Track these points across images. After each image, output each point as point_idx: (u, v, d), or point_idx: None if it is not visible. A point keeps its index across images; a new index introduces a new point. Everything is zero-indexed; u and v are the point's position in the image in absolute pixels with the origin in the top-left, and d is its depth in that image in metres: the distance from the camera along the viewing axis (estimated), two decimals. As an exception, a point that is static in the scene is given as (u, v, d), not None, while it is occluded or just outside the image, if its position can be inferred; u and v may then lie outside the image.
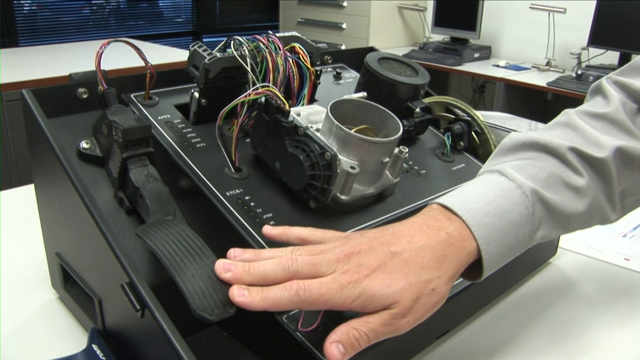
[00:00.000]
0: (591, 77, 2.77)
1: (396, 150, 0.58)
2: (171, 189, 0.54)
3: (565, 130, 0.56)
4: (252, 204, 0.54)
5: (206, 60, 0.58)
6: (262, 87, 0.55)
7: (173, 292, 0.41)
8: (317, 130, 0.56)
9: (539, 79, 3.01)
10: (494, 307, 0.67)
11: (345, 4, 3.80)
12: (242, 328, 0.54)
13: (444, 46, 3.51)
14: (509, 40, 3.61)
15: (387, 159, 0.56)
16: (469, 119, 0.74)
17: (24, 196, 0.94)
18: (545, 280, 0.74)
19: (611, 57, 2.98)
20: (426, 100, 0.74)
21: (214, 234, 0.53)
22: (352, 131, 0.54)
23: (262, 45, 0.60)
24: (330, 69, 0.82)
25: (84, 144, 0.56)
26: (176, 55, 2.71)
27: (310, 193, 0.53)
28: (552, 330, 0.63)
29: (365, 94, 0.66)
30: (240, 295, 0.41)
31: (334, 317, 0.45)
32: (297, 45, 0.64)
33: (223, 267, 0.43)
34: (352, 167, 0.53)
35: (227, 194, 0.54)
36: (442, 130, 0.75)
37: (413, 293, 0.43)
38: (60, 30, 3.75)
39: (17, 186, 0.98)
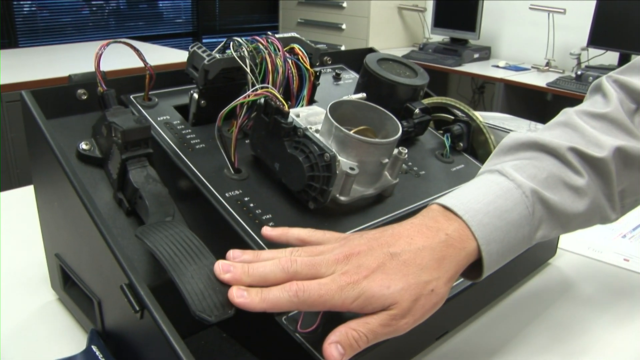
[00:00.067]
0: (591, 78, 2.77)
1: (395, 151, 0.58)
2: (170, 190, 0.54)
3: (564, 130, 0.56)
4: (252, 205, 0.54)
5: (205, 62, 0.58)
6: (262, 88, 0.55)
7: (172, 293, 0.41)
8: (317, 131, 0.56)
9: (539, 80, 3.01)
10: (493, 307, 0.67)
11: (345, 4, 3.81)
12: (242, 329, 0.54)
13: (443, 47, 3.52)
14: (508, 40, 3.61)
15: (387, 160, 0.56)
16: (469, 119, 0.74)
17: (24, 197, 0.94)
18: (544, 280, 0.74)
19: (611, 57, 2.99)
20: (425, 101, 0.74)
21: (213, 235, 0.53)
22: (351, 132, 0.54)
23: (261, 47, 0.60)
24: (330, 70, 0.82)
25: (83, 145, 0.56)
26: (176, 56, 2.71)
27: (309, 194, 0.53)
28: (552, 330, 0.63)
29: (364, 94, 0.66)
30: (239, 296, 0.41)
31: (334, 318, 0.45)
32: (296, 46, 0.64)
33: (222, 268, 0.43)
34: (352, 168, 0.53)
35: (227, 195, 0.54)
36: (441, 131, 0.75)
37: (412, 294, 0.43)
38: (60, 31, 3.75)
39: (16, 187, 0.98)
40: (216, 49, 0.60)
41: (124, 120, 0.53)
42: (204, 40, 4.38)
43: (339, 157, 0.53)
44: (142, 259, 0.51)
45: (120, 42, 0.60)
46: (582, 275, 0.75)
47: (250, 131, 0.58)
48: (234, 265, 0.43)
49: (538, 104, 3.31)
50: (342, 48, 3.69)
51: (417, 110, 0.70)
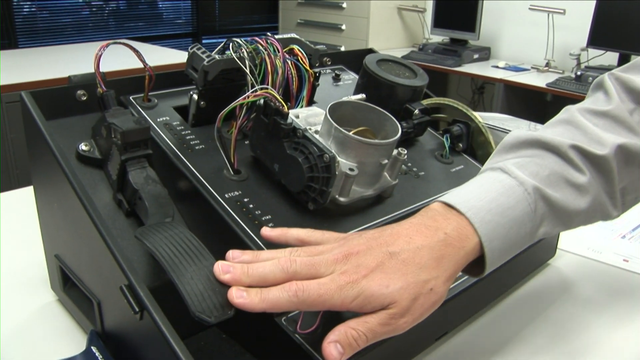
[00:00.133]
0: (590, 78, 2.77)
1: (395, 152, 0.58)
2: (170, 191, 0.54)
3: (567, 127, 0.57)
4: (251, 206, 0.54)
5: (205, 63, 0.58)
6: (261, 89, 0.55)
7: (172, 294, 0.41)
8: (316, 132, 0.56)
9: (539, 80, 3.01)
10: (493, 308, 0.67)
11: (344, 5, 3.81)
12: (241, 330, 0.54)
13: (443, 47, 3.52)
14: (508, 41, 3.61)
15: (386, 161, 0.56)
16: (468, 120, 0.74)
17: (23, 198, 0.94)
18: (544, 281, 0.74)
19: (610, 58, 2.99)
20: (425, 102, 0.74)
21: (212, 235, 0.53)
22: (350, 133, 0.54)
23: (260, 47, 0.60)
24: (329, 71, 0.82)
25: (83, 146, 0.56)
26: (175, 56, 2.71)
27: (309, 195, 0.53)
28: (551, 331, 0.63)
29: (364, 95, 0.66)
30: (239, 296, 0.42)
31: (333, 319, 0.45)
32: (295, 47, 0.64)
33: (222, 268, 0.43)
34: (351, 169, 0.53)
35: (226, 196, 0.54)
36: (440, 132, 0.75)
37: (411, 293, 0.43)
38: (60, 32, 3.76)
39: (16, 188, 0.98)
40: (216, 50, 0.60)
41: (123, 121, 0.53)
42: (203, 41, 4.38)
43: (339, 158, 0.53)
44: (142, 259, 0.51)
45: (119, 43, 0.60)
46: (582, 275, 0.75)
47: (249, 132, 0.58)
48: (233, 266, 0.43)
49: (538, 105, 3.32)
50: (342, 49, 3.69)
51: (416, 111, 0.70)
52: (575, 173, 0.53)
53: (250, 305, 0.41)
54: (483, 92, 3.84)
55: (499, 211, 0.49)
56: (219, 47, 0.61)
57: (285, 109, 0.54)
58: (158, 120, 0.61)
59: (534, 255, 0.73)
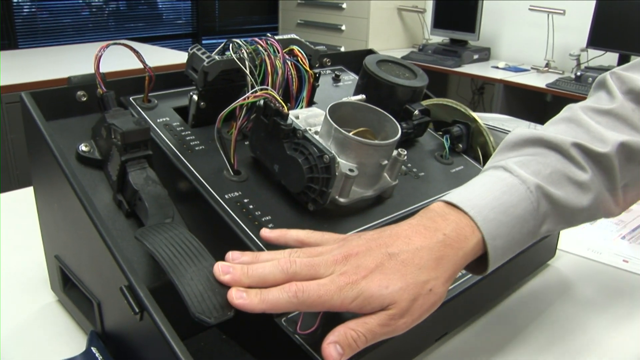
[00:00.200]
0: (590, 79, 2.77)
1: (395, 152, 0.58)
2: (170, 192, 0.54)
3: (569, 125, 0.57)
4: (251, 206, 0.54)
5: (205, 63, 0.58)
6: (261, 89, 0.55)
7: (172, 295, 0.41)
8: (316, 132, 0.56)
9: (538, 81, 3.01)
10: (493, 309, 0.67)
11: (344, 5, 3.81)
12: (241, 330, 0.54)
13: (443, 48, 3.52)
14: (508, 41, 3.61)
15: (386, 162, 0.56)
16: (468, 121, 0.74)
17: (23, 198, 0.94)
18: (544, 282, 0.74)
19: (610, 58, 2.99)
20: (425, 103, 0.74)
21: (212, 236, 0.53)
22: (350, 134, 0.54)
23: (260, 48, 0.60)
24: (329, 72, 0.82)
25: (83, 147, 0.56)
26: (175, 57, 2.71)
27: (308, 196, 0.53)
28: (551, 331, 0.63)
29: (363, 96, 0.66)
30: (238, 297, 0.42)
31: (333, 319, 0.45)
32: (295, 47, 0.64)
33: (222, 269, 0.43)
34: (351, 170, 0.53)
35: (226, 196, 0.54)
36: (440, 133, 0.75)
37: (411, 294, 0.43)
38: (60, 32, 3.76)
39: (16, 188, 0.98)
40: (215, 51, 0.61)
41: (123, 122, 0.53)
42: (203, 42, 4.38)
43: (339, 159, 0.53)
44: (142, 260, 0.51)
45: (119, 43, 0.60)
46: (582, 276, 0.75)
47: (249, 133, 0.58)
48: (233, 267, 0.43)
49: (538, 105, 3.32)
50: (342, 49, 3.69)
51: (416, 112, 0.70)
52: (577, 171, 0.54)
53: (250, 306, 0.41)
54: (483, 93, 3.84)
55: (501, 209, 0.49)
56: (219, 47, 0.61)
57: (285, 110, 0.54)
58: (158, 121, 0.61)
59: (533, 256, 0.73)
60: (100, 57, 0.56)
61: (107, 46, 0.56)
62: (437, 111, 0.76)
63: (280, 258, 0.44)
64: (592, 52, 3.05)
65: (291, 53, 0.64)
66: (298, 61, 0.63)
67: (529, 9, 3.22)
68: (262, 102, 0.55)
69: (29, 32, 3.61)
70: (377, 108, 0.59)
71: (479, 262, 0.49)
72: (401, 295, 0.43)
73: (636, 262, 0.79)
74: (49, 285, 0.66)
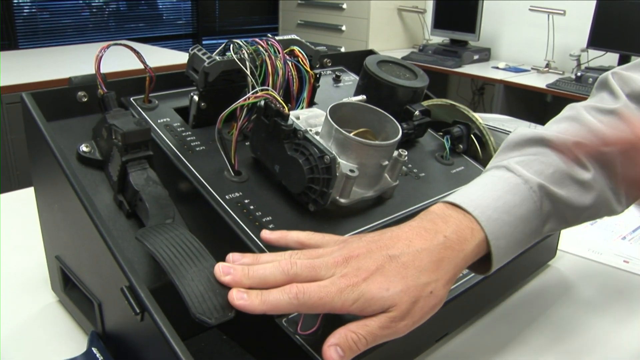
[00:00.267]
0: (591, 79, 2.77)
1: (395, 153, 0.58)
2: (171, 193, 0.54)
3: (571, 124, 0.57)
4: (252, 207, 0.54)
5: (205, 64, 0.58)
6: (262, 90, 0.55)
7: (172, 295, 0.41)
8: (317, 133, 0.56)
9: (539, 81, 3.01)
10: (493, 309, 0.67)
11: (344, 6, 3.81)
12: (242, 331, 0.54)
13: (443, 48, 3.52)
14: (508, 42, 3.61)
15: (386, 162, 0.56)
16: (468, 121, 0.74)
17: (24, 199, 0.94)
18: (544, 282, 0.74)
19: (611, 59, 2.99)
20: (425, 103, 0.74)
21: (213, 237, 0.53)
22: (351, 134, 0.54)
23: (261, 49, 0.60)
24: (330, 72, 0.82)
25: (83, 148, 0.56)
26: (176, 57, 2.71)
27: (309, 196, 0.53)
28: (552, 332, 0.63)
29: (364, 97, 0.66)
30: (239, 298, 0.42)
31: (333, 320, 0.45)
32: (296, 48, 0.64)
33: (222, 270, 0.43)
34: (352, 171, 0.53)
35: (227, 197, 0.54)
36: (441, 133, 0.75)
37: (411, 296, 0.43)
38: (60, 33, 3.76)
39: (16, 189, 0.98)
40: (216, 51, 0.61)
41: (124, 123, 0.53)
42: (203, 42, 4.38)
43: (339, 160, 0.53)
44: (143, 261, 0.51)
45: (120, 44, 0.60)
46: (582, 276, 0.75)
47: (250, 133, 0.58)
48: (234, 268, 0.43)
49: (538, 106, 3.32)
50: (342, 49, 3.69)
51: (417, 112, 0.70)
52: (579, 170, 0.54)
53: (250, 307, 0.41)
54: (483, 93, 3.84)
55: (505, 209, 0.49)
56: (220, 48, 0.61)
57: (286, 110, 0.54)
58: (159, 121, 0.61)
59: (534, 256, 0.73)
60: (101, 57, 0.56)
61: (108, 47, 0.56)
62: (437, 112, 0.76)
63: (281, 260, 0.44)
64: (593, 53, 3.05)
65: (292, 54, 0.64)
66: (299, 62, 0.63)
67: (529, 10, 3.22)
68: (262, 102, 0.55)
69: (30, 33, 3.61)
70: (377, 109, 0.59)
71: (482, 262, 0.49)
72: (402, 298, 0.43)
73: (637, 262, 0.79)
74: (50, 285, 0.66)
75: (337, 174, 0.52)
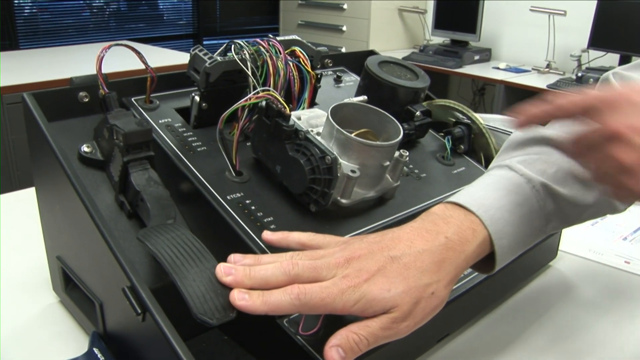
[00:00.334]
0: (591, 80, 2.77)
1: (396, 153, 0.58)
2: (172, 193, 0.54)
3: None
4: (253, 207, 0.54)
5: (207, 64, 0.58)
6: (263, 90, 0.55)
7: (174, 296, 0.41)
8: (318, 134, 0.56)
9: (539, 82, 3.01)
10: (494, 310, 0.67)
11: (345, 6, 3.81)
12: (243, 332, 0.54)
13: (444, 48, 3.52)
14: (509, 42, 3.61)
15: (388, 163, 0.56)
16: (469, 122, 0.74)
17: (25, 199, 0.94)
18: (545, 283, 0.74)
19: (611, 59, 2.99)
20: (426, 104, 0.74)
21: (214, 237, 0.53)
22: (352, 135, 0.54)
23: (262, 49, 0.60)
24: (331, 73, 0.82)
25: (85, 148, 0.56)
26: (176, 57, 2.71)
27: (310, 197, 0.53)
28: (553, 333, 0.63)
29: (365, 97, 0.66)
30: (241, 299, 0.42)
31: (335, 321, 0.45)
32: (297, 48, 0.64)
33: (224, 270, 0.43)
34: (353, 171, 0.53)
35: (228, 197, 0.54)
36: (442, 134, 0.75)
37: (413, 297, 0.43)
38: (61, 33, 3.76)
39: (17, 189, 0.98)
40: (217, 52, 0.61)
41: (125, 123, 0.53)
42: (204, 42, 4.38)
43: (340, 160, 0.53)
44: (144, 261, 0.51)
45: (121, 44, 0.60)
46: (583, 277, 0.75)
47: (251, 134, 0.58)
48: (235, 268, 0.43)
49: (538, 106, 3.31)
50: (343, 50, 3.69)
51: (418, 113, 0.70)
52: (582, 169, 0.54)
53: (252, 307, 0.41)
54: (484, 94, 3.84)
55: (508, 209, 0.49)
56: (221, 48, 0.61)
57: (287, 111, 0.54)
58: (160, 121, 0.61)
59: (535, 257, 0.73)
60: (102, 58, 0.56)
61: (110, 47, 0.56)
62: (438, 112, 0.76)
63: (283, 260, 0.44)
64: (593, 53, 3.05)
65: (293, 54, 0.64)
66: (300, 62, 0.63)
67: (530, 10, 3.22)
68: (264, 103, 0.55)
69: (30, 33, 3.61)
70: (378, 109, 0.59)
71: (485, 262, 0.50)
72: (403, 299, 0.43)
73: (637, 263, 0.79)
74: (51, 286, 0.66)
75: (339, 175, 0.52)
